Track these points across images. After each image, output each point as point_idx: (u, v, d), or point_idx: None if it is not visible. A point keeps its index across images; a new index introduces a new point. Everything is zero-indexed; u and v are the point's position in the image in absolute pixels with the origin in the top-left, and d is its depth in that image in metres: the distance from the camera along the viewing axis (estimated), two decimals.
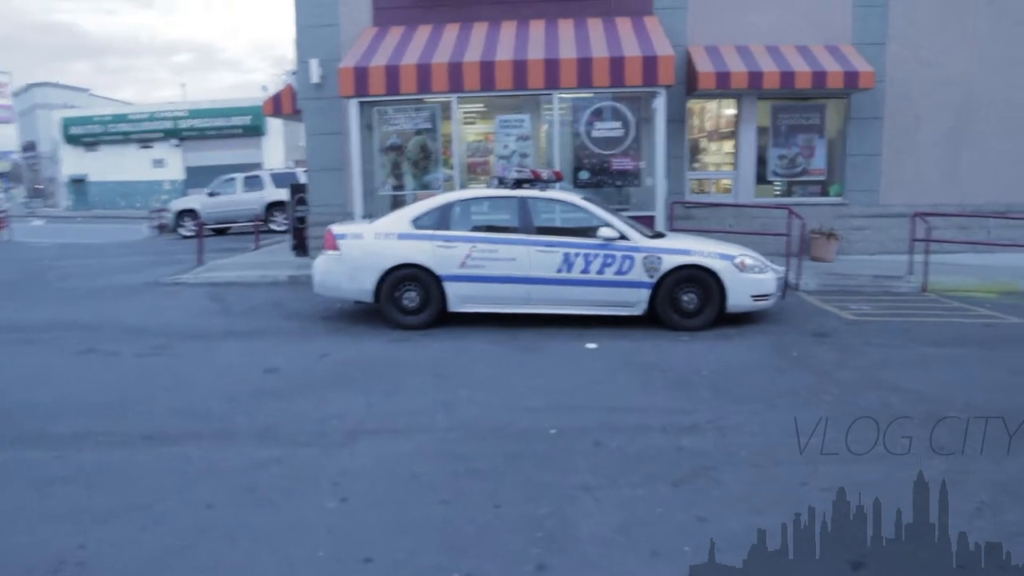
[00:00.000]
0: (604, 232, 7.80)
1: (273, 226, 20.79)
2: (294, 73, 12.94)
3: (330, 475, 4.06)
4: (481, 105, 12.09)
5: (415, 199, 11.80)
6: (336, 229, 8.16)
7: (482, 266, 7.83)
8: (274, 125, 39.35)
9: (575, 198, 8.20)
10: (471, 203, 8.26)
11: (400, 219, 8.08)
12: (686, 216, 12.45)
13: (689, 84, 12.32)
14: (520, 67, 10.85)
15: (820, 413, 5.06)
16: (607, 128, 11.29)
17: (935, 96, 12.88)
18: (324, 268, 8.14)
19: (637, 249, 7.85)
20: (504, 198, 8.16)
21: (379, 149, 11.65)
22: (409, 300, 7.94)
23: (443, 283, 7.86)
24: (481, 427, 4.83)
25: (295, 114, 13.72)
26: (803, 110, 13.03)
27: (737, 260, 7.95)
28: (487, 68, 10.90)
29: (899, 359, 6.63)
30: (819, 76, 11.86)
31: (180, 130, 40.15)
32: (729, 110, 13.44)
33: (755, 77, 11.79)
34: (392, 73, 10.99)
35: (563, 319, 8.05)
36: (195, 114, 39.93)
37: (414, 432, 4.74)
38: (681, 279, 7.86)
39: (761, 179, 13.19)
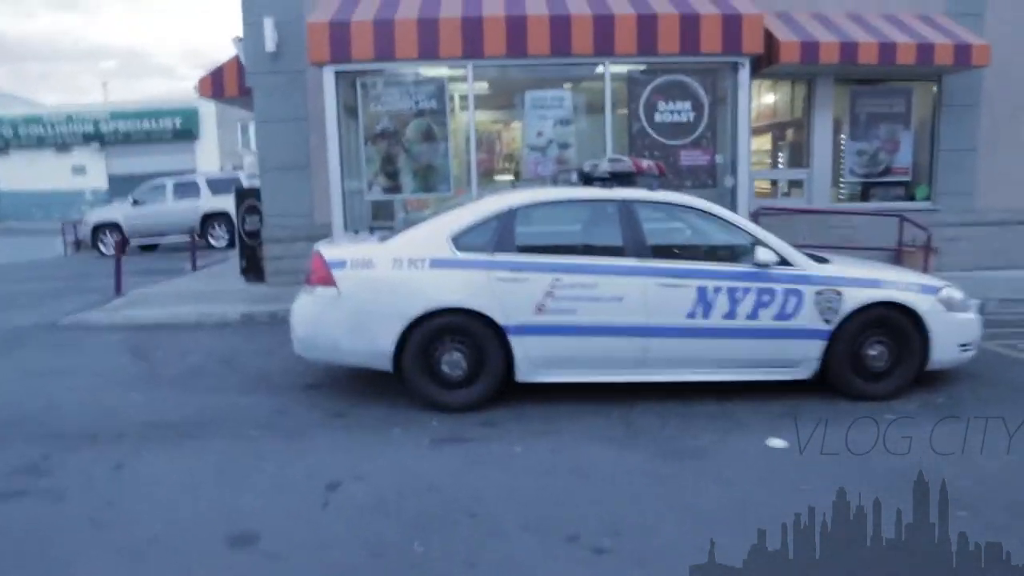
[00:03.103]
0: (761, 255, 5.01)
1: (212, 241, 17.44)
2: (240, 40, 9.77)
3: None
4: (485, 89, 9.15)
5: (405, 205, 8.85)
6: (328, 253, 5.12)
7: (571, 310, 4.91)
8: (208, 128, 35.82)
9: (704, 203, 5.35)
10: (544, 209, 5.29)
11: (432, 236, 5.08)
12: None
13: (759, 59, 9.66)
14: (561, 24, 7.99)
15: None
16: (674, 110, 8.48)
17: None
18: (311, 316, 5.09)
19: (806, 279, 5.08)
20: (597, 203, 5.26)
21: (364, 138, 8.56)
22: (451, 366, 4.96)
23: (508, 337, 4.92)
24: None
25: (242, 96, 10.54)
26: (886, 95, 10.56)
27: (943, 294, 5.31)
28: (516, 25, 8.00)
29: None
30: (925, 50, 9.38)
31: (102, 134, 36.02)
32: (771, 96, 10.92)
33: (848, 49, 9.22)
34: (383, 31, 7.99)
35: (673, 383, 5.22)
36: (119, 116, 35.86)
37: None
38: (867, 323, 5.15)
39: (834, 179, 10.69)
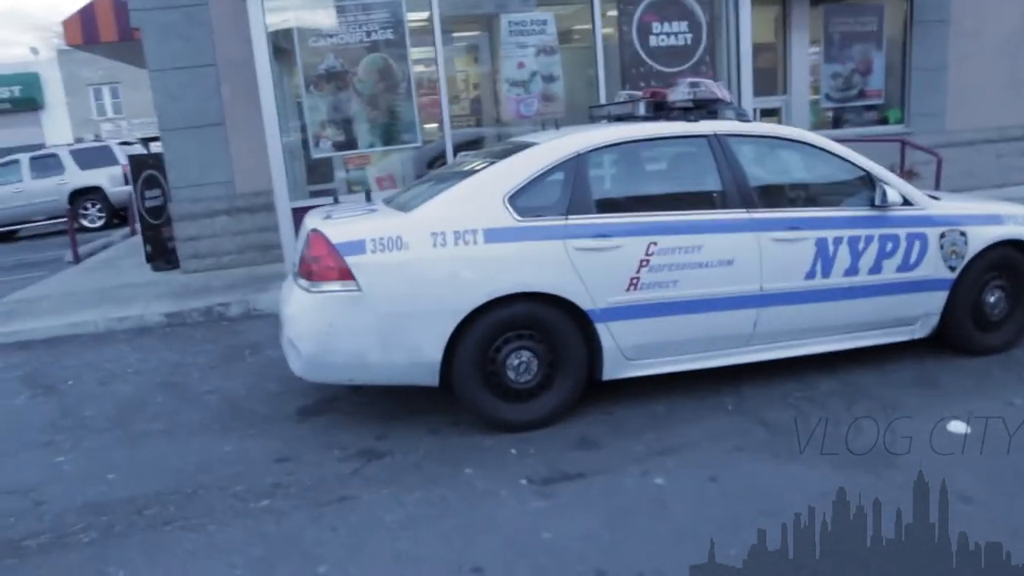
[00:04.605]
0: (888, 195, 4.02)
1: (85, 222, 14.99)
2: None
3: None
4: (451, 14, 7.63)
5: (344, 164, 7.33)
6: (335, 232, 3.63)
7: (672, 281, 3.73)
8: (55, 96, 31.68)
9: (811, 135, 4.27)
10: (620, 152, 3.99)
11: (479, 197, 3.71)
12: None
13: None
14: None
15: None
16: (670, 32, 7.29)
17: None
18: (322, 326, 3.57)
19: (928, 220, 4.15)
20: (686, 139, 4.05)
21: (304, 83, 6.88)
22: (518, 371, 3.67)
23: (595, 325, 3.68)
24: None
25: (124, 40, 8.50)
26: (859, 13, 9.83)
27: None
28: None
29: None
30: None
31: None
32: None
33: None
34: None
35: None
36: None
37: None
38: (988, 267, 4.32)
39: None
